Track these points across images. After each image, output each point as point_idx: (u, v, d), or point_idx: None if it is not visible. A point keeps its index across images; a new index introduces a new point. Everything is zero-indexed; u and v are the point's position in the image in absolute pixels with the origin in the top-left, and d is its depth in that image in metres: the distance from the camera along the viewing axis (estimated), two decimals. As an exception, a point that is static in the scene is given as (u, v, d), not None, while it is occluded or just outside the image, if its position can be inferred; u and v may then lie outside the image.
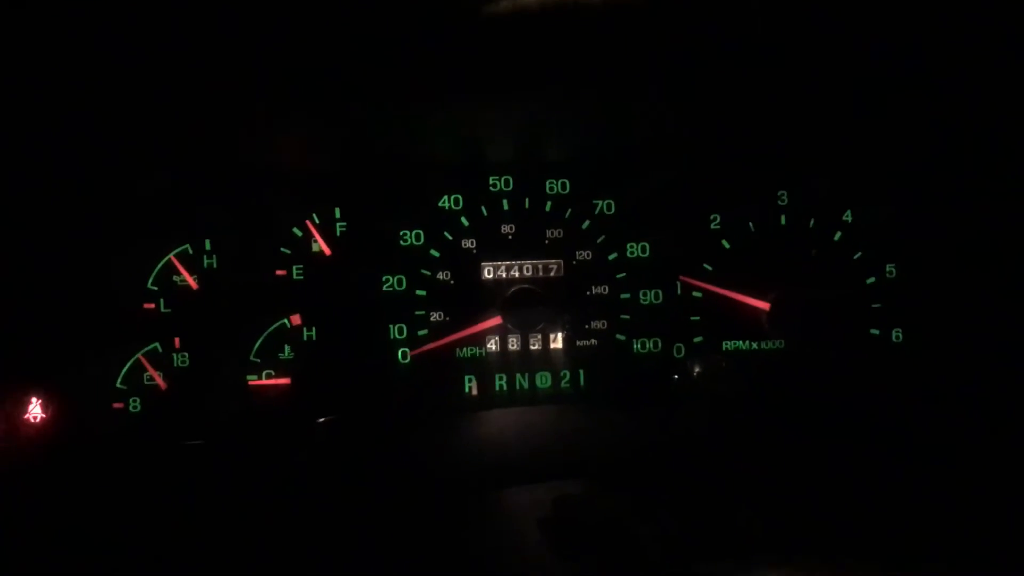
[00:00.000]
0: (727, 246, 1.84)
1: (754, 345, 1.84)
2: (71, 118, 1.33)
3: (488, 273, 1.81)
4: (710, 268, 1.83)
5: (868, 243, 1.84)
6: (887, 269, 1.85)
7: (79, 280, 1.69)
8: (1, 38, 1.06)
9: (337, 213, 1.79)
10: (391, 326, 1.79)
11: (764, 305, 1.79)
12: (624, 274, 1.83)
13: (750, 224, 1.84)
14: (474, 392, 1.80)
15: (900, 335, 1.85)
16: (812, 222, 1.84)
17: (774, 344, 1.84)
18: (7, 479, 1.51)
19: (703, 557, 1.05)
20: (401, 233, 1.79)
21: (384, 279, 1.79)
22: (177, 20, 1.07)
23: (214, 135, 1.54)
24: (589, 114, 1.57)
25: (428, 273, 1.80)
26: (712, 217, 1.84)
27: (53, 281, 1.66)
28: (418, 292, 1.79)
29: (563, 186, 1.83)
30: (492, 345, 1.82)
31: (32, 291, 1.64)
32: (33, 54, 1.12)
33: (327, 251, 1.78)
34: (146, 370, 1.73)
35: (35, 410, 1.67)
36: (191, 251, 1.76)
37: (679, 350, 1.83)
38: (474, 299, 1.79)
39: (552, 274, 1.81)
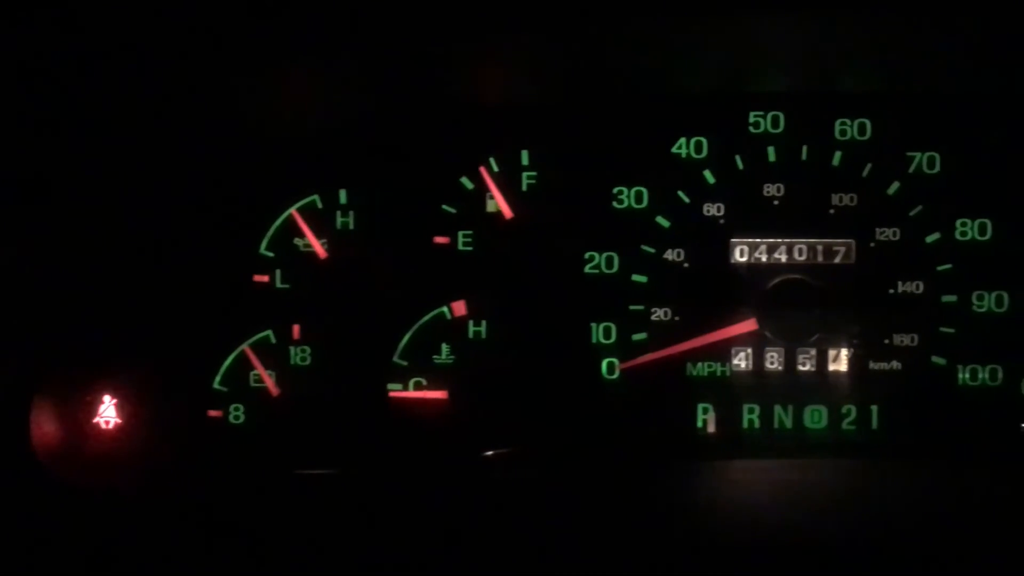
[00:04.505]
0: (1125, 228, 1.59)
1: None
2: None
3: (741, 254, 1.60)
4: (1092, 262, 1.58)
5: None
6: None
7: (166, 241, 1.56)
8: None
9: (525, 158, 1.61)
10: (594, 325, 1.60)
11: None
12: (950, 266, 1.57)
13: None
14: (711, 429, 1.61)
15: None
16: None
17: None
18: (68, 497, 1.40)
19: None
20: (616, 191, 1.60)
21: (588, 256, 1.60)
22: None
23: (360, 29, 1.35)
24: (910, 25, 1.37)
25: (652, 251, 1.60)
26: (1097, 185, 1.58)
27: (132, 242, 1.53)
28: (636, 277, 1.60)
29: (861, 129, 1.57)
30: (741, 361, 1.61)
31: (103, 255, 1.50)
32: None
33: (507, 212, 1.61)
34: (253, 368, 1.60)
35: (108, 412, 1.54)
36: (320, 204, 1.62)
37: (1032, 385, 1.59)
38: (718, 292, 1.60)
39: (837, 260, 1.59)
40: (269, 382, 1.59)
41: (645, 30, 1.38)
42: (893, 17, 1.34)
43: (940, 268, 1.56)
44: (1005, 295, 1.55)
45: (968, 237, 1.55)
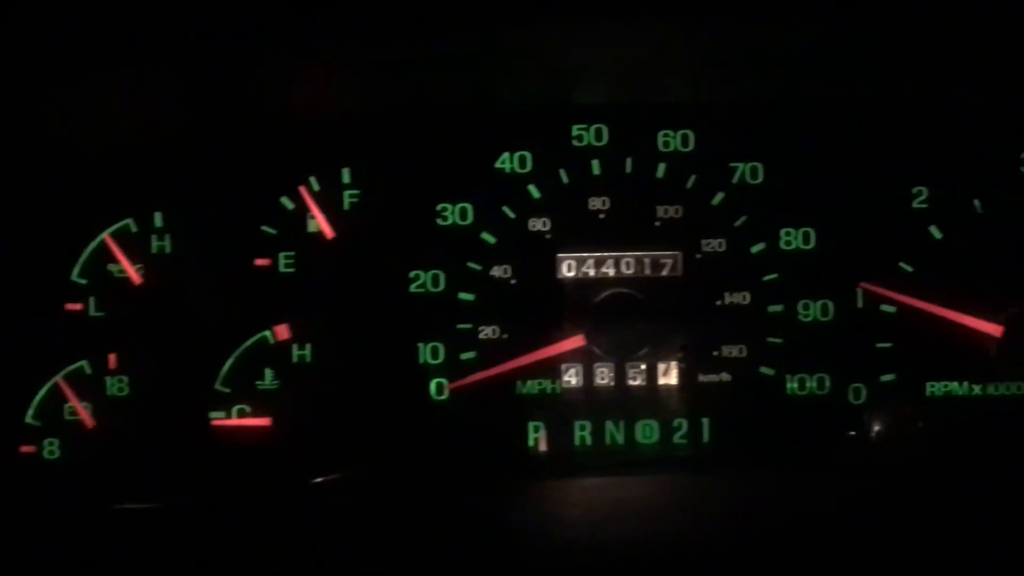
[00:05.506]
0: (938, 236, 1.58)
1: (976, 389, 1.59)
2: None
3: (568, 269, 1.60)
4: (910, 269, 1.58)
5: None
6: None
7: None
8: None
9: (346, 176, 1.60)
10: (421, 345, 1.59)
11: (995, 329, 1.55)
12: (776, 275, 1.59)
13: (976, 203, 1.58)
14: (542, 447, 1.61)
15: None
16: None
17: (1009, 389, 1.59)
18: None
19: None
20: (440, 208, 1.59)
21: (413, 275, 1.59)
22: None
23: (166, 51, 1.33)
24: (730, 33, 1.38)
25: (478, 268, 1.60)
26: (916, 191, 1.57)
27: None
28: (463, 295, 1.60)
29: (684, 140, 1.58)
30: (571, 378, 1.61)
31: None
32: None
33: (328, 232, 1.60)
34: (67, 400, 1.57)
35: (-93, 451, 1.53)
36: (134, 228, 1.59)
37: (857, 393, 1.58)
38: (546, 308, 1.59)
39: (664, 272, 1.59)
40: (84, 414, 1.55)
41: (464, 44, 1.37)
42: (710, 27, 1.34)
43: (766, 278, 1.56)
44: (830, 304, 1.55)
45: (792, 246, 1.56)
